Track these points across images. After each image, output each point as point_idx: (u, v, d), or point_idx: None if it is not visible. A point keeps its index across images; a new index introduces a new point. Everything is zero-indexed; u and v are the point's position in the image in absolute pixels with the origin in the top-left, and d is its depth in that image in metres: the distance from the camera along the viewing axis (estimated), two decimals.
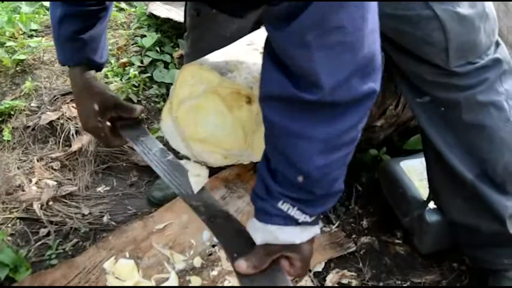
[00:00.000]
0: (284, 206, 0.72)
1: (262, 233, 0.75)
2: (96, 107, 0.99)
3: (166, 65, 1.99)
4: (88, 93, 1.01)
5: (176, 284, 1.18)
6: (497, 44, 0.98)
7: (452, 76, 0.96)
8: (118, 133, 1.04)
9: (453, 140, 1.03)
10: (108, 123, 1.03)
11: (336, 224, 1.38)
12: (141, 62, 1.98)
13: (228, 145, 0.97)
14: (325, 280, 1.23)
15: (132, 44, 2.09)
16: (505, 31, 1.15)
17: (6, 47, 2.00)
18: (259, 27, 1.14)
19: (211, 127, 0.98)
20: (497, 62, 0.96)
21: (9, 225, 1.39)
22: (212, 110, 0.96)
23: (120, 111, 1.05)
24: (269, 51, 0.69)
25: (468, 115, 0.99)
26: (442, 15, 0.89)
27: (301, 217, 0.73)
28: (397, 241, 1.34)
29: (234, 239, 0.83)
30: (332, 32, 0.61)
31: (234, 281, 1.19)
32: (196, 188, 0.93)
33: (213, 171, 1.39)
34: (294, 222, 0.73)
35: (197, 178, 0.95)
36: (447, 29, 0.91)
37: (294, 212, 0.72)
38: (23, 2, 2.30)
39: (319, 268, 1.25)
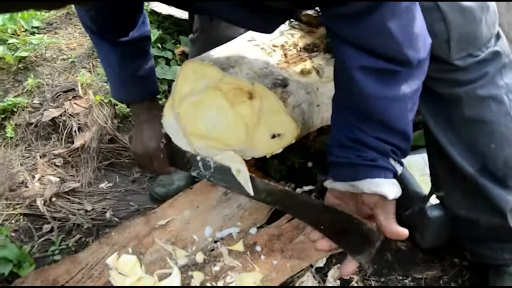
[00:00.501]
0: (393, 163, 0.79)
1: (389, 186, 0.78)
2: (163, 131, 1.08)
3: (168, 61, 1.99)
4: (156, 119, 1.10)
5: (178, 279, 1.19)
6: (498, 37, 0.98)
7: (453, 71, 0.96)
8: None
9: (454, 135, 1.03)
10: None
11: None
12: None
13: (229, 141, 0.98)
14: (326, 276, 1.23)
15: None
16: (506, 26, 1.15)
17: (8, 44, 2.00)
18: None
19: (212, 123, 0.98)
20: (496, 55, 0.96)
21: (13, 221, 1.40)
22: (213, 106, 0.96)
23: None
24: (346, 42, 0.75)
25: (469, 110, 0.99)
26: (443, 6, 0.90)
27: (400, 169, 0.80)
28: None
29: (308, 213, 0.87)
30: (403, 13, 0.71)
31: (236, 277, 1.20)
32: (248, 187, 0.95)
33: None
34: (394, 176, 0.80)
35: (242, 175, 0.96)
36: (449, 20, 0.91)
37: (398, 168, 0.80)
38: None
39: (321, 263, 1.25)
